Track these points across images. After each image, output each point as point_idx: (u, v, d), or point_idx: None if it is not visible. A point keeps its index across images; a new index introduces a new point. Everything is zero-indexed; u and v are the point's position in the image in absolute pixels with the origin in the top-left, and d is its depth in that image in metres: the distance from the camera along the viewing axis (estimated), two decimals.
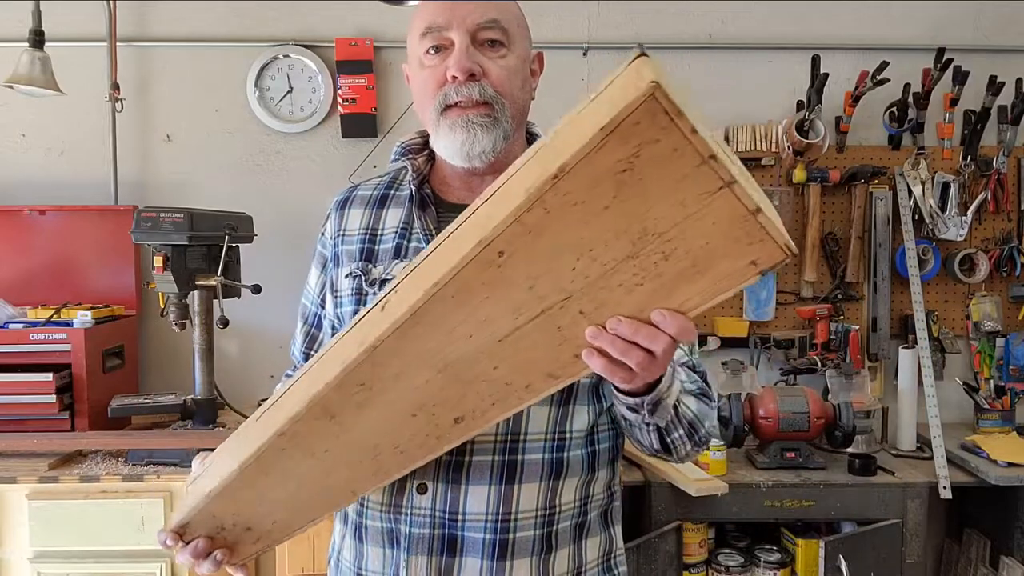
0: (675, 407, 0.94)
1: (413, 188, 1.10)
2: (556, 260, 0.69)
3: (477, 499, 1.00)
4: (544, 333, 0.74)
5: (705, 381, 1.05)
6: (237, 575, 1.04)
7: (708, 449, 2.10)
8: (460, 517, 1.01)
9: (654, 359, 0.77)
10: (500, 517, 1.00)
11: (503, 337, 0.75)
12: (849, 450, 2.20)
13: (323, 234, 1.18)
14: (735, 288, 0.71)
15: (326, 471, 0.93)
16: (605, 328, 0.74)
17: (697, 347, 1.11)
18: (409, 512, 1.02)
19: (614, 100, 0.61)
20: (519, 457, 1.01)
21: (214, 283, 2.10)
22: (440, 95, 1.03)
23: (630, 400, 0.91)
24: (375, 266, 1.09)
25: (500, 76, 1.03)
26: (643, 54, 0.64)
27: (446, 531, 1.01)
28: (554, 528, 1.04)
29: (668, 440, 0.99)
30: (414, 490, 1.01)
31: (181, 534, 1.01)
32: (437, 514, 1.01)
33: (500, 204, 0.69)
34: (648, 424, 0.95)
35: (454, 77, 1.02)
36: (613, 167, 0.63)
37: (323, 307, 1.17)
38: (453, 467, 1.00)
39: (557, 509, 1.04)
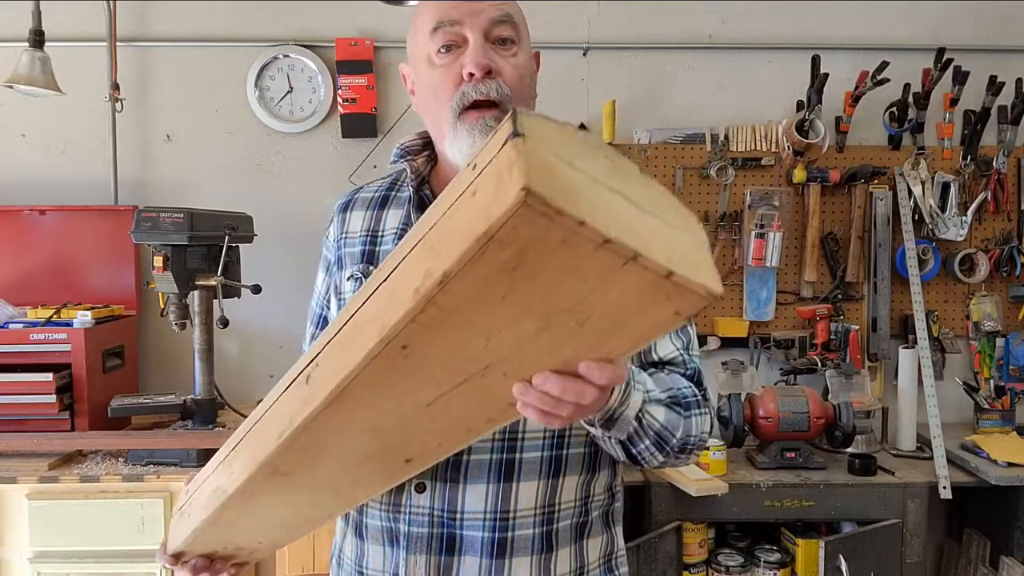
0: (639, 418, 0.90)
1: (412, 189, 1.10)
2: (463, 343, 0.66)
3: (475, 497, 1.00)
4: (472, 394, 0.73)
5: (698, 381, 1.03)
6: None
7: (708, 448, 2.10)
8: (458, 516, 1.01)
9: (586, 407, 0.74)
10: (499, 515, 1.00)
11: (431, 402, 0.74)
12: (849, 450, 2.20)
13: (327, 237, 1.18)
14: (664, 333, 0.68)
15: (294, 510, 0.97)
16: (532, 384, 0.71)
17: (696, 346, 1.09)
18: (408, 511, 1.02)
19: (486, 209, 0.56)
20: (517, 455, 1.00)
21: (214, 283, 2.10)
22: (457, 95, 1.01)
23: None
24: (376, 268, 1.08)
25: (513, 75, 1.02)
26: (515, 132, 0.56)
27: (445, 530, 1.01)
28: (554, 527, 1.03)
29: (634, 451, 0.95)
30: (412, 489, 1.01)
31: (179, 557, 1.07)
32: (435, 513, 1.01)
33: (396, 298, 0.66)
34: (609, 437, 0.92)
35: (471, 74, 1.00)
36: (501, 267, 0.59)
37: (328, 309, 1.18)
38: (451, 466, 1.00)
39: (557, 508, 1.03)
